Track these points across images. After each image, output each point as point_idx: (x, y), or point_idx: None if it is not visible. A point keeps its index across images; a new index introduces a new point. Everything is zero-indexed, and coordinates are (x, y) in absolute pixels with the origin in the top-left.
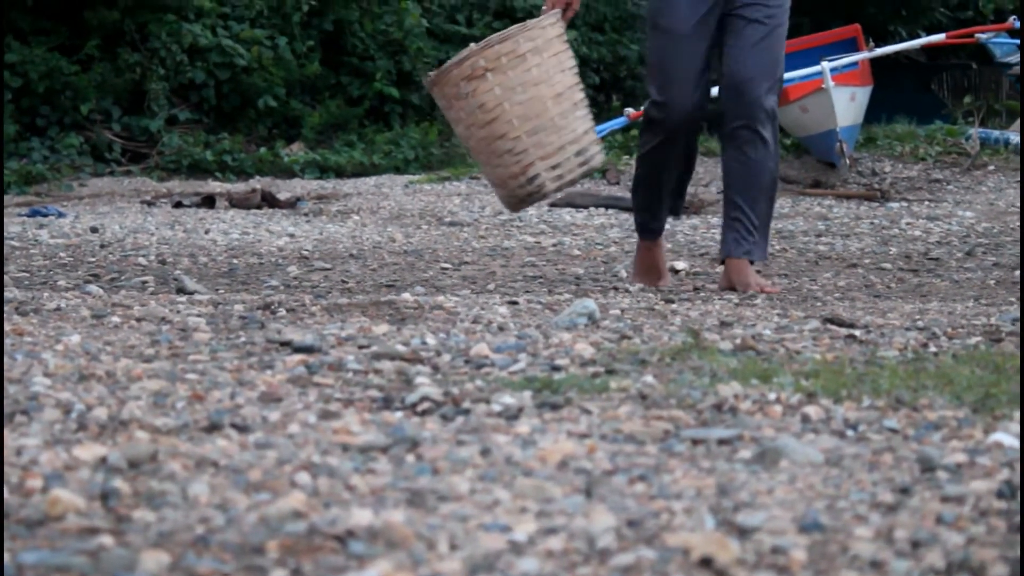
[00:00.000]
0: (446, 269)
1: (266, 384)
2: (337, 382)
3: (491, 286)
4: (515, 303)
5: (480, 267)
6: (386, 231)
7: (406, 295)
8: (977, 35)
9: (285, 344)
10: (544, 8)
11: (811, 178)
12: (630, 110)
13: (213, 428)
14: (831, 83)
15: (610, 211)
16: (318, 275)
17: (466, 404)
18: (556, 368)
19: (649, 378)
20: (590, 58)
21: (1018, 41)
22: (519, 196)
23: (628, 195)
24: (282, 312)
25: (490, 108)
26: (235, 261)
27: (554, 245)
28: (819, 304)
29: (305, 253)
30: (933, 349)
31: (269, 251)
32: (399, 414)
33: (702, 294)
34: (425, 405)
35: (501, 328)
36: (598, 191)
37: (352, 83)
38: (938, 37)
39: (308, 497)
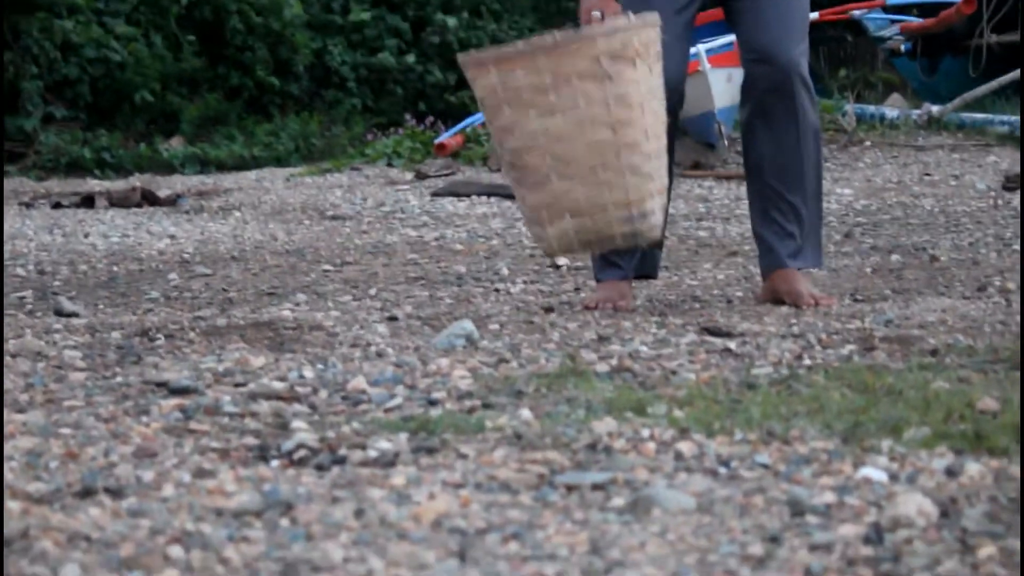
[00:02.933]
0: (328, 272)
1: (141, 436)
2: (213, 428)
3: (373, 290)
4: (395, 319)
5: (362, 267)
6: (268, 228)
7: (286, 311)
8: (851, 12)
9: (161, 385)
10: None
11: (691, 160)
12: None
13: (87, 493)
14: (707, 65)
15: (492, 199)
16: (199, 283)
17: (342, 451)
18: (433, 403)
19: (525, 412)
20: (469, 43)
21: (891, 16)
22: (608, 234)
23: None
24: (160, 339)
25: (631, 103)
26: (115, 268)
27: (436, 239)
28: (698, 306)
29: (186, 257)
30: (807, 361)
31: (150, 255)
32: (276, 463)
33: (582, 294)
34: (301, 453)
35: (379, 354)
36: (480, 179)
37: (231, 74)
38: (811, 16)
39: (181, 573)
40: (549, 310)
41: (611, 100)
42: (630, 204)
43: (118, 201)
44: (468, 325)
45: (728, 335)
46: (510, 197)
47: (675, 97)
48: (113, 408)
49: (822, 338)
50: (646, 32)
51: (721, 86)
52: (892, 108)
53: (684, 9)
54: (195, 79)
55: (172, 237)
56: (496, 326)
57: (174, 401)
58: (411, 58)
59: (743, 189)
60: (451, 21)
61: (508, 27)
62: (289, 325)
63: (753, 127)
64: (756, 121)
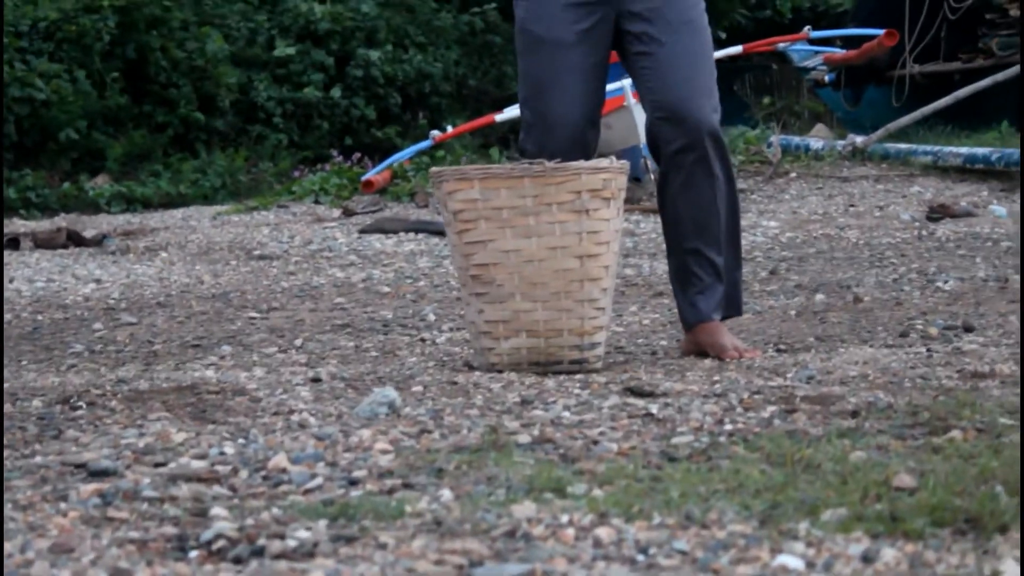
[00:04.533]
0: (254, 319)
1: (58, 528)
2: (132, 515)
3: (298, 340)
4: (318, 380)
5: (288, 313)
6: (194, 270)
7: (210, 370)
8: (777, 45)
9: (80, 467)
10: None
11: None
12: (436, 132)
13: None
14: (632, 100)
15: (420, 236)
16: (124, 333)
17: (261, 540)
18: (354, 482)
19: (446, 493)
20: (395, 77)
21: (814, 48)
22: (557, 358)
23: (438, 218)
24: (82, 408)
25: (600, 240)
26: (40, 317)
27: (363, 280)
28: (622, 359)
29: (111, 303)
30: (728, 426)
31: (75, 301)
32: (194, 554)
33: None
34: (220, 543)
35: (301, 424)
36: (407, 215)
37: (156, 111)
38: (735, 49)
39: None
40: (471, 368)
41: (584, 233)
42: (583, 333)
43: (43, 242)
44: (391, 393)
45: (651, 395)
46: (439, 233)
47: (572, 142)
48: (32, 493)
49: (744, 398)
50: (623, 177)
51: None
52: (817, 139)
53: (592, 52)
54: (120, 116)
55: (98, 281)
56: (420, 388)
57: (93, 486)
58: (336, 92)
59: None
60: (375, 55)
61: (433, 59)
62: (212, 389)
63: (667, 183)
64: (670, 176)
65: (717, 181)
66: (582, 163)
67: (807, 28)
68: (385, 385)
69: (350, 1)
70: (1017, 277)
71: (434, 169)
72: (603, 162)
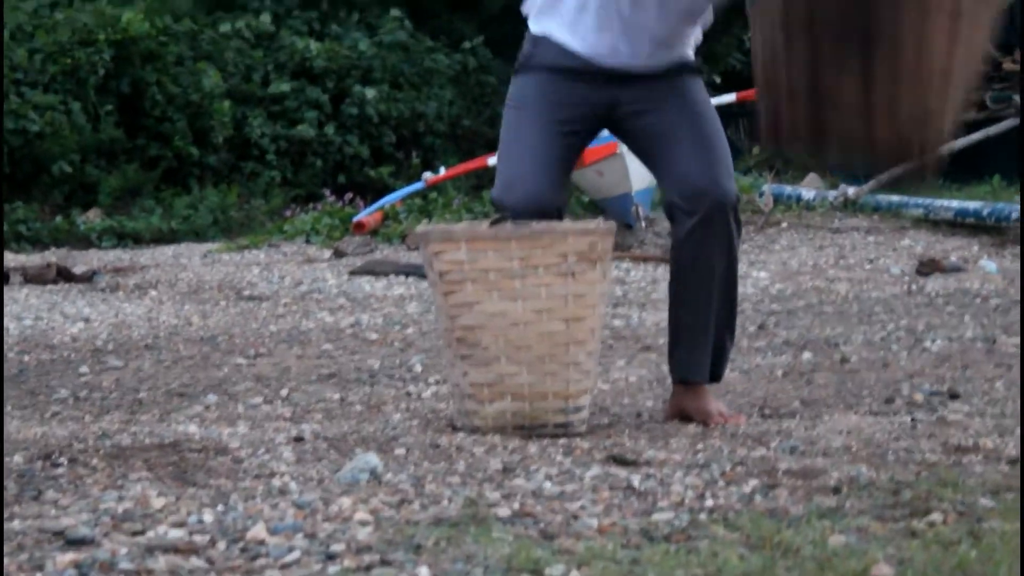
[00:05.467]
0: (240, 365)
1: None
2: None
3: (284, 391)
4: (301, 439)
5: (276, 359)
6: (183, 310)
7: (193, 425)
8: None
9: (58, 534)
10: None
11: None
12: (428, 174)
13: None
14: (624, 148)
15: (410, 279)
16: (109, 378)
17: None
18: (331, 556)
19: (423, 571)
20: (389, 115)
21: None
22: (542, 421)
23: None
24: (63, 464)
25: (586, 303)
26: (26, 359)
27: (351, 326)
28: (606, 423)
29: (99, 344)
30: (709, 502)
31: (62, 342)
32: None
33: None
34: None
35: (282, 491)
36: (397, 258)
37: (150, 145)
38: (728, 98)
39: None
40: (455, 429)
41: (570, 296)
42: (568, 397)
43: (33, 277)
44: (372, 459)
45: (634, 464)
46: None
47: (528, 202)
48: (8, 561)
49: (726, 471)
50: (610, 239)
51: (638, 168)
52: (809, 189)
53: (570, 134)
54: (113, 150)
55: (86, 320)
56: (402, 451)
57: (70, 556)
58: (330, 130)
59: (660, 271)
60: (370, 93)
61: (427, 98)
62: (195, 447)
63: (682, 248)
64: (686, 244)
65: (731, 255)
66: (569, 225)
67: None
68: (368, 447)
69: (346, 39)
70: (1005, 338)
71: (420, 228)
72: (590, 224)
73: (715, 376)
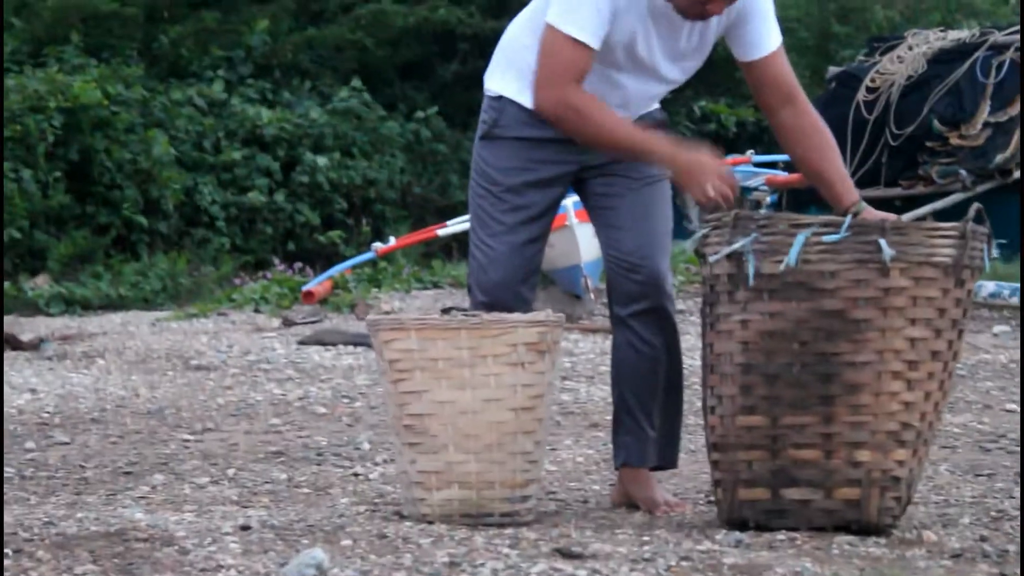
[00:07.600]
0: (187, 442)
1: None
2: None
3: (231, 470)
4: (248, 528)
5: (223, 435)
6: (131, 380)
7: (140, 512)
8: None
9: None
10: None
11: (558, 310)
12: (378, 244)
13: None
14: (574, 219)
15: (359, 349)
16: (56, 454)
17: None
18: None
19: None
20: (340, 183)
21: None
22: (488, 511)
23: None
24: (8, 556)
25: (534, 392)
26: None
27: (300, 399)
28: (553, 513)
29: (45, 417)
30: None
31: (9, 414)
32: None
33: None
34: None
35: None
36: (347, 327)
37: (99, 212)
38: None
39: None
40: (402, 517)
41: (519, 386)
42: (515, 486)
43: None
44: (319, 554)
45: (580, 557)
46: None
47: (492, 289)
48: None
49: (671, 565)
50: (559, 330)
51: (588, 240)
52: None
53: (537, 218)
54: (63, 216)
55: (33, 391)
56: (349, 542)
57: None
58: (280, 197)
59: (608, 343)
60: (321, 160)
61: (379, 166)
62: (141, 536)
63: (617, 335)
64: (621, 330)
65: (668, 337)
66: (518, 316)
67: (750, 152)
68: (315, 537)
69: (298, 107)
70: (950, 417)
71: (371, 317)
72: (539, 315)
73: (670, 462)
